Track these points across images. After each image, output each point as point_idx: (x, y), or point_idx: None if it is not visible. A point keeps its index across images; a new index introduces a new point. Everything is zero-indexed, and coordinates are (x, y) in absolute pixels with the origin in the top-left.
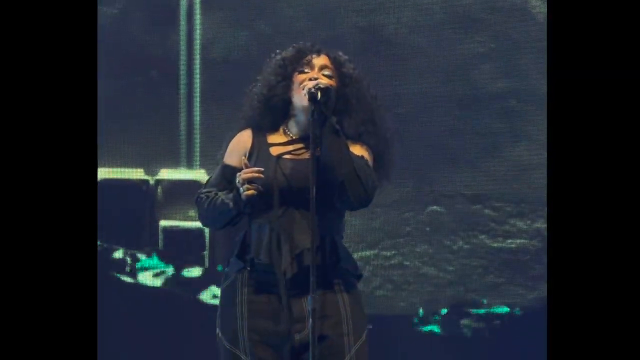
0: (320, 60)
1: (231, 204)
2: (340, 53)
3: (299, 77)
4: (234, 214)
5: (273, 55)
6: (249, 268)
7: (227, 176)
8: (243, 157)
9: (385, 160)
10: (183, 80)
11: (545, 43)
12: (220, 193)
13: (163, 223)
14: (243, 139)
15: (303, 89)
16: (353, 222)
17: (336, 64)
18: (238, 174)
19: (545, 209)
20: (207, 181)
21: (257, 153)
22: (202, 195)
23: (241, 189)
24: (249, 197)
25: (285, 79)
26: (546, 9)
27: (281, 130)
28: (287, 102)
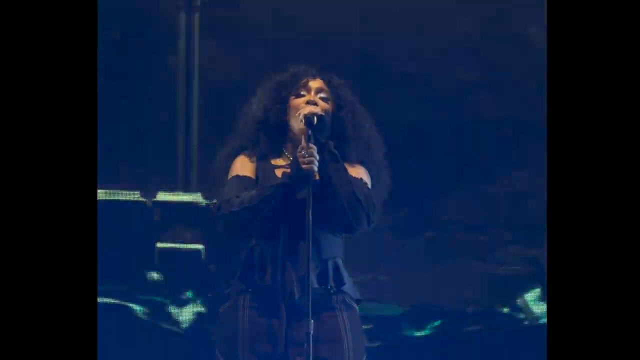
0: (316, 83)
1: (285, 181)
2: (335, 76)
3: (295, 101)
4: (281, 193)
5: (268, 78)
6: (250, 290)
7: (245, 185)
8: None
9: (380, 183)
10: (181, 103)
11: (542, 71)
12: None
13: (160, 245)
14: (250, 159)
15: (299, 115)
16: (349, 246)
17: (331, 88)
18: (302, 145)
19: (541, 236)
20: (222, 194)
21: (263, 175)
22: (229, 199)
23: (304, 160)
24: (309, 170)
25: (280, 103)
26: (543, 38)
27: (282, 153)
28: (283, 125)
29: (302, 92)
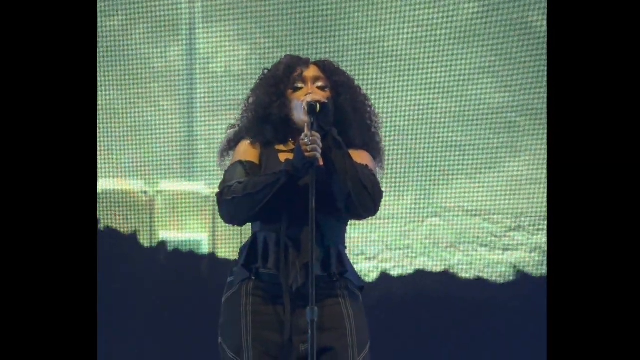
0: (310, 71)
1: (288, 169)
2: (329, 61)
3: (294, 95)
4: (284, 180)
5: (263, 73)
6: (254, 278)
7: (248, 171)
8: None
9: (381, 167)
10: (183, 92)
11: (544, 57)
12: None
13: (162, 234)
14: (253, 145)
15: (302, 102)
16: (352, 234)
17: (327, 73)
18: (305, 133)
19: (544, 222)
20: (225, 179)
21: (267, 160)
22: (231, 184)
23: (307, 147)
24: (313, 158)
25: (279, 98)
26: (545, 23)
27: (287, 141)
28: (286, 119)
29: (298, 85)
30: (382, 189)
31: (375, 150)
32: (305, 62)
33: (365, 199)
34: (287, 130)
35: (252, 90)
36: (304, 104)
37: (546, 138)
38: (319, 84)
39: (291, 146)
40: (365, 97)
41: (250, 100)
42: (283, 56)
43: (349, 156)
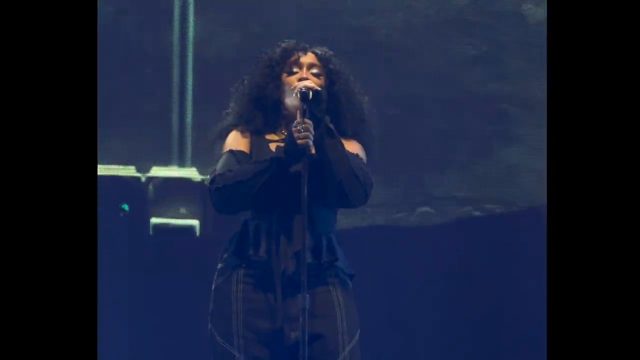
0: (307, 58)
1: (279, 155)
2: (326, 49)
3: (288, 79)
4: (275, 167)
5: (260, 56)
6: (244, 265)
7: (239, 160)
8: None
9: (371, 156)
10: (176, 78)
11: (538, 47)
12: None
13: (154, 220)
14: (243, 134)
15: (294, 89)
16: (343, 222)
17: (323, 61)
18: (298, 120)
19: (536, 210)
20: (216, 168)
21: (257, 149)
22: (222, 173)
23: (300, 135)
24: (305, 145)
25: (274, 80)
26: (539, 13)
27: (277, 129)
28: (278, 103)
29: (294, 69)
30: (373, 178)
31: (367, 141)
32: (303, 49)
33: (356, 188)
34: (278, 116)
35: (248, 73)
36: (297, 91)
37: (545, 127)
38: (314, 70)
39: (282, 136)
40: (359, 88)
41: (246, 82)
42: (282, 41)
43: (341, 145)
